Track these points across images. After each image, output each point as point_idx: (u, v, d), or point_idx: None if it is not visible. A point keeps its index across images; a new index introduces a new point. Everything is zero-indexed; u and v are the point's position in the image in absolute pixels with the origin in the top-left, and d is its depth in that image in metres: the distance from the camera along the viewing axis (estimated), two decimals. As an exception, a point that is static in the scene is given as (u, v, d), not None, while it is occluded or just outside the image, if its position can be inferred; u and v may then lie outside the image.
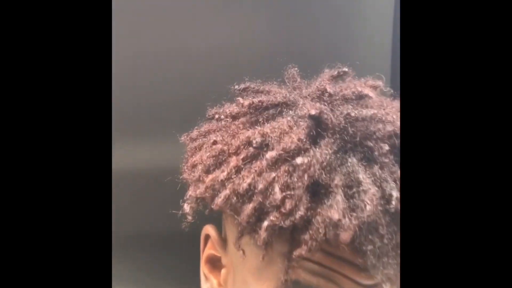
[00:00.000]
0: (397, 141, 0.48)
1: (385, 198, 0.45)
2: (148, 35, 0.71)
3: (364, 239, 0.44)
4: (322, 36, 0.81)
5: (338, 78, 0.54)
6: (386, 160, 0.47)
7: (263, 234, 0.45)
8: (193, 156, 0.54)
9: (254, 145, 0.48)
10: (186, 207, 0.51)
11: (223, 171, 0.49)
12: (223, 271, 0.58)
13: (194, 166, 0.53)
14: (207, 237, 0.60)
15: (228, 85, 0.57)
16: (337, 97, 0.51)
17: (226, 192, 0.48)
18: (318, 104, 0.49)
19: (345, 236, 0.44)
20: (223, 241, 0.58)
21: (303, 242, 0.45)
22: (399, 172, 0.46)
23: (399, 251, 0.44)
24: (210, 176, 0.49)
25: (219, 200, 0.48)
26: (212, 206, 0.48)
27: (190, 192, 0.52)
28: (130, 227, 0.89)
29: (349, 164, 0.46)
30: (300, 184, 0.45)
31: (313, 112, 0.47)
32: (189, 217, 0.51)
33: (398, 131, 0.48)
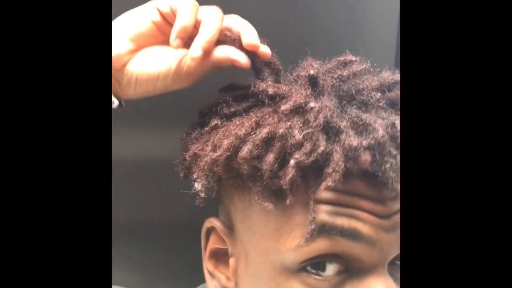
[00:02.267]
0: (387, 91, 0.54)
1: (390, 127, 0.50)
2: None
3: (381, 159, 0.48)
4: (328, 30, 0.81)
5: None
6: (380, 104, 0.52)
7: (290, 172, 0.48)
8: (197, 143, 0.55)
9: (270, 93, 0.52)
10: (197, 185, 0.53)
11: (240, 128, 0.51)
12: (231, 260, 0.58)
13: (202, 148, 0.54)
14: (209, 232, 0.60)
15: (230, 76, 0.58)
16: (328, 67, 0.55)
17: (247, 146, 0.49)
18: (315, 64, 0.54)
19: (365, 156, 0.47)
20: (229, 229, 0.58)
21: (327, 176, 0.48)
22: (394, 115, 0.51)
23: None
24: (227, 139, 0.51)
25: (242, 153, 0.49)
26: (238, 159, 0.50)
27: (201, 167, 0.53)
28: (130, 216, 0.90)
29: (350, 112, 0.51)
30: (316, 124, 0.48)
31: (311, 72, 0.52)
32: (202, 194, 0.53)
33: (386, 82, 0.54)
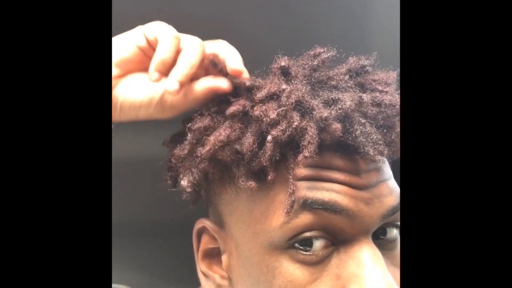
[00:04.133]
0: (356, 76, 0.57)
1: (357, 99, 0.52)
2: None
3: (350, 127, 0.51)
4: (331, 30, 0.81)
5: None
6: (349, 85, 0.55)
7: (268, 149, 0.51)
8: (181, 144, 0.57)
9: (247, 84, 0.54)
10: (184, 182, 0.55)
11: (220, 124, 0.54)
12: (224, 257, 0.59)
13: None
14: (200, 233, 0.62)
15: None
16: (300, 61, 0.58)
17: (225, 130, 0.52)
18: (286, 58, 0.56)
19: (335, 125, 0.50)
20: (219, 226, 0.60)
21: (303, 148, 0.50)
22: (363, 94, 0.54)
23: (379, 138, 0.52)
24: (212, 135, 0.53)
25: (220, 137, 0.52)
26: (216, 142, 0.52)
27: (187, 166, 0.55)
28: (129, 215, 0.90)
29: (321, 94, 0.54)
30: (288, 102, 0.51)
31: (282, 63, 0.55)
32: (188, 189, 0.55)
33: (353, 67, 0.57)
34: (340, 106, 0.51)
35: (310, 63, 0.57)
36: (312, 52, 0.58)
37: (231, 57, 0.55)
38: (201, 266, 0.61)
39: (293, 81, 0.54)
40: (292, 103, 0.51)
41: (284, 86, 0.53)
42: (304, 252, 0.52)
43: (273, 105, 0.52)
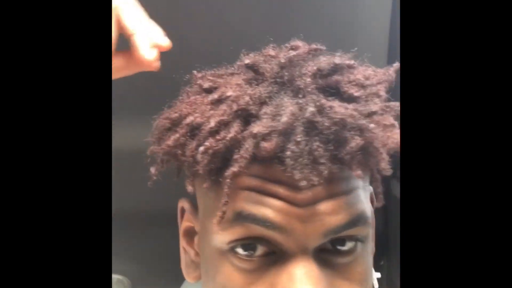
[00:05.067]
0: (325, 76, 0.53)
1: (304, 112, 0.49)
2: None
3: (282, 146, 0.48)
4: (320, 26, 0.81)
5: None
6: (309, 89, 0.51)
7: (200, 158, 0.50)
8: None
9: (204, 87, 0.54)
10: (152, 169, 0.56)
11: (175, 114, 0.54)
12: (196, 238, 0.62)
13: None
14: (183, 210, 0.64)
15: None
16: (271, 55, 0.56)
17: (174, 135, 0.53)
18: (252, 55, 0.55)
19: (265, 144, 0.48)
20: (195, 209, 0.61)
21: (234, 162, 0.49)
22: (323, 99, 0.50)
23: (320, 157, 0.48)
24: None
25: (169, 141, 0.53)
26: (164, 147, 0.53)
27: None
28: (129, 205, 0.90)
29: (279, 98, 0.51)
30: (229, 111, 0.50)
31: (247, 61, 0.54)
32: (154, 177, 0.55)
33: (322, 67, 0.52)
34: (274, 123, 0.49)
35: (278, 60, 0.54)
36: (288, 45, 0.56)
37: (144, 43, 0.49)
38: (182, 241, 0.63)
39: (259, 80, 0.53)
40: (232, 113, 0.50)
41: (228, 93, 0.51)
42: (242, 258, 0.52)
43: (219, 110, 0.51)
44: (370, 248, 0.56)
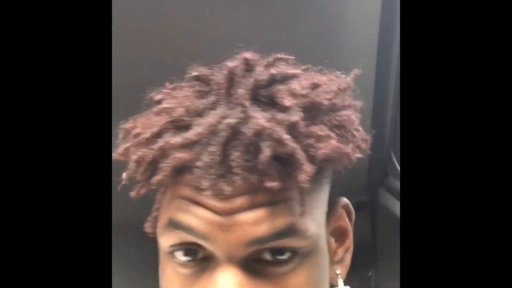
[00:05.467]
0: (263, 88, 0.52)
1: (223, 123, 0.49)
2: (148, 18, 0.73)
3: (196, 156, 0.49)
4: (309, 33, 0.81)
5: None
6: (240, 101, 0.50)
7: (131, 165, 0.51)
8: None
9: (155, 99, 0.55)
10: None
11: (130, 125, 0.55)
12: None
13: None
14: None
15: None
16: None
17: (126, 144, 0.54)
18: (201, 68, 0.55)
19: (179, 155, 0.49)
20: None
21: (160, 170, 0.50)
22: (251, 109, 0.50)
23: (235, 167, 0.47)
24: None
25: (119, 150, 0.53)
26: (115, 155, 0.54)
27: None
28: (130, 212, 0.89)
29: (217, 109, 0.51)
30: (162, 122, 0.51)
31: (194, 73, 0.55)
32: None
33: (261, 79, 0.52)
34: (187, 136, 0.50)
35: (224, 72, 0.53)
36: (241, 57, 0.55)
37: None
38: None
39: (205, 92, 0.54)
40: (167, 123, 0.51)
41: (164, 105, 0.53)
42: (181, 262, 0.52)
43: (157, 123, 0.52)
44: (320, 261, 0.54)
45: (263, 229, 0.49)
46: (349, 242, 0.60)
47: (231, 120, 0.48)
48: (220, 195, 0.49)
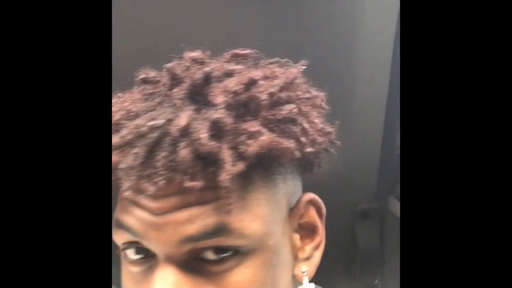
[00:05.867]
0: (199, 87, 0.52)
1: (146, 124, 0.50)
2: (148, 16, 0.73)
3: (122, 158, 0.50)
4: (324, 35, 0.81)
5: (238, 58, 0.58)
6: (174, 101, 0.52)
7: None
8: None
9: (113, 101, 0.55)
10: None
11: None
12: None
13: None
14: None
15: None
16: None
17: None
18: (148, 70, 0.56)
19: (113, 159, 0.50)
20: None
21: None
22: (183, 109, 0.50)
23: (159, 167, 0.48)
24: None
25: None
26: None
27: None
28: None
29: (158, 110, 0.52)
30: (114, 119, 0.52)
31: (141, 76, 0.56)
32: None
33: (195, 78, 0.52)
34: (119, 136, 0.50)
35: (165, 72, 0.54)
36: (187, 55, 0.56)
37: None
38: None
39: (153, 94, 0.54)
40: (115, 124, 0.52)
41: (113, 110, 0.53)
42: (130, 260, 0.54)
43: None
44: (269, 260, 0.53)
45: (193, 228, 0.49)
46: (319, 238, 0.60)
47: (157, 122, 0.49)
48: (153, 196, 0.50)
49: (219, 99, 0.50)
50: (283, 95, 0.54)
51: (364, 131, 0.90)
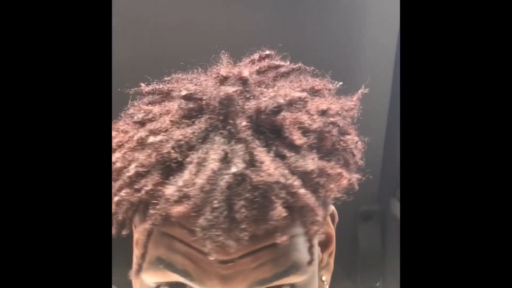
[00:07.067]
0: (268, 117, 0.47)
1: (227, 172, 0.44)
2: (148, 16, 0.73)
3: (195, 212, 0.44)
4: (327, 36, 0.81)
5: (260, 61, 0.55)
6: (243, 136, 0.46)
7: (114, 208, 0.48)
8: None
9: (134, 120, 0.50)
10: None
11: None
12: None
13: None
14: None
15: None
16: (228, 80, 0.49)
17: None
18: (191, 85, 0.49)
19: (175, 210, 0.44)
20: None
21: (148, 216, 0.46)
22: (258, 147, 0.45)
23: (241, 221, 0.43)
24: None
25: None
26: None
27: None
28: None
29: (211, 142, 0.46)
30: (149, 159, 0.46)
31: (184, 92, 0.48)
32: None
33: (264, 107, 0.47)
34: (189, 189, 0.44)
35: (218, 92, 0.47)
36: (238, 72, 0.49)
37: None
38: (134, 250, 0.57)
39: (196, 114, 0.48)
40: (152, 162, 0.46)
41: (151, 139, 0.46)
42: None
43: (141, 156, 0.47)
44: (312, 282, 0.51)
45: (266, 271, 0.47)
46: (333, 246, 0.59)
47: (236, 169, 0.43)
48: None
49: (299, 139, 0.47)
50: (344, 124, 0.52)
51: (366, 131, 0.90)
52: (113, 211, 0.48)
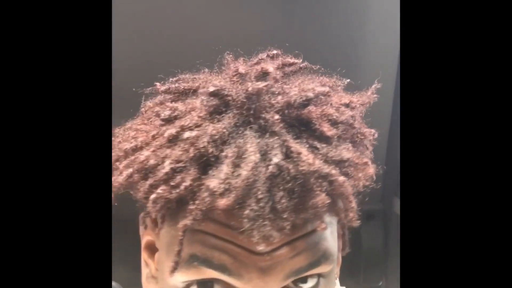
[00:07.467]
0: (296, 111, 0.48)
1: (267, 164, 0.44)
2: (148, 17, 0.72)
3: (240, 204, 0.44)
4: (329, 35, 0.81)
5: (273, 59, 0.55)
6: (276, 129, 0.46)
7: (150, 207, 0.47)
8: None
9: (162, 117, 0.50)
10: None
11: (130, 144, 0.50)
12: (156, 254, 0.57)
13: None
14: (144, 223, 0.59)
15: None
16: (247, 76, 0.50)
17: (126, 171, 0.49)
18: (217, 82, 0.49)
19: (220, 202, 0.44)
20: (155, 225, 0.56)
21: (188, 212, 0.45)
22: (291, 140, 0.46)
23: (283, 211, 0.44)
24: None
25: (119, 178, 0.49)
26: (115, 183, 0.49)
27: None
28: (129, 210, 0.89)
29: (243, 136, 0.46)
30: (185, 157, 0.46)
31: (211, 89, 0.48)
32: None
33: (293, 100, 0.48)
34: (233, 181, 0.44)
35: (246, 87, 0.48)
36: (262, 68, 0.49)
37: None
38: (143, 254, 0.59)
39: (223, 110, 0.48)
40: (189, 158, 0.46)
41: (186, 135, 0.46)
42: None
43: (175, 153, 0.46)
44: (333, 279, 0.52)
45: (302, 260, 0.47)
46: (341, 241, 0.58)
47: (277, 159, 0.44)
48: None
49: (329, 130, 0.48)
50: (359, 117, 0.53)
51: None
52: (148, 209, 0.48)
